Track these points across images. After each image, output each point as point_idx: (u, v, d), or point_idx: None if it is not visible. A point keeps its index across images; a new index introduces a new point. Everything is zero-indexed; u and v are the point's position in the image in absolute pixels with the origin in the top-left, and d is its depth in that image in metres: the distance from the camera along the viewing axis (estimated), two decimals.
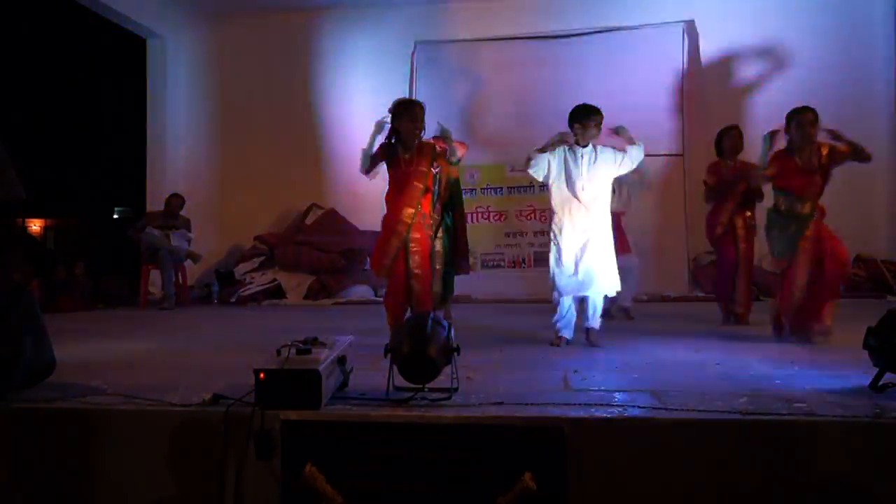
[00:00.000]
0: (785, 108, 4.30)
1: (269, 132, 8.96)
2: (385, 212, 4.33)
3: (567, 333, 4.14)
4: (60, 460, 2.49)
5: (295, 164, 8.80)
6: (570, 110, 4.16)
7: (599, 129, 4.12)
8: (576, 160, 4.10)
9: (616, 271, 4.10)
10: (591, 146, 4.11)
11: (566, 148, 4.15)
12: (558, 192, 4.14)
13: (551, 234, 4.17)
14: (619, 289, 4.17)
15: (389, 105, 4.28)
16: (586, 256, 4.04)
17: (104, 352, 4.14)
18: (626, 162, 4.11)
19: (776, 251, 4.26)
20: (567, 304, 4.13)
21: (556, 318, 4.16)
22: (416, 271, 4.24)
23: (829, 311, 4.08)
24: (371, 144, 4.26)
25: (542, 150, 4.16)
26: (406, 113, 4.22)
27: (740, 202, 5.16)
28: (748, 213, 5.20)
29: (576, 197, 4.08)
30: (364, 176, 4.36)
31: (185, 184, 8.50)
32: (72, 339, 4.61)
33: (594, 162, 4.09)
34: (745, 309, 5.13)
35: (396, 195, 4.26)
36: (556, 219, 4.14)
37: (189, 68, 9.13)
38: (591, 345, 4.08)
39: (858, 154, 4.08)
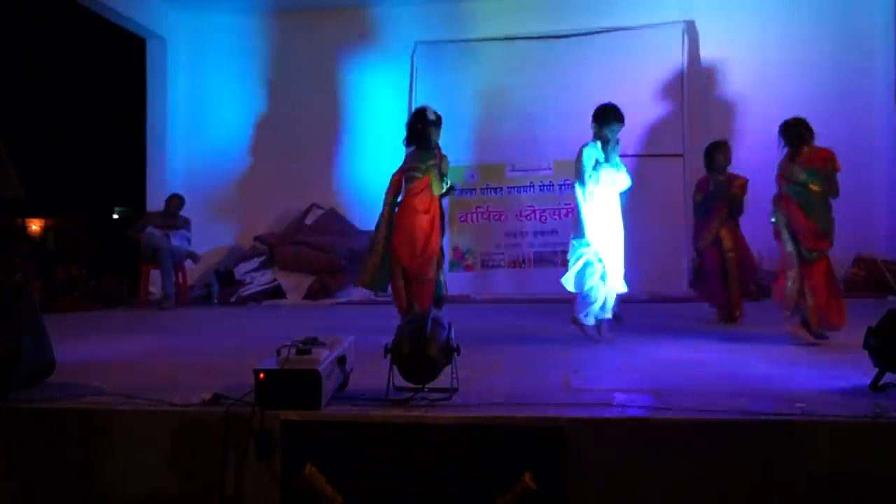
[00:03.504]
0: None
1: (268, 132, 8.95)
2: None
3: (589, 321, 4.19)
4: (61, 460, 2.49)
5: (295, 163, 8.78)
6: (594, 109, 4.25)
7: None
8: (605, 159, 4.15)
9: (622, 271, 4.16)
10: (614, 145, 4.18)
11: (598, 146, 4.20)
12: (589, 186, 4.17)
13: (577, 229, 4.20)
14: (624, 289, 4.20)
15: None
16: (606, 251, 4.09)
17: (104, 352, 4.14)
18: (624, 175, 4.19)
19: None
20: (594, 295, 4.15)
21: (583, 310, 4.18)
22: (417, 272, 4.27)
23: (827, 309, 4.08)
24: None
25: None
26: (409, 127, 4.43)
27: (724, 217, 5.29)
28: (733, 223, 5.31)
29: (602, 191, 4.13)
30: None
31: (185, 183, 8.50)
32: (72, 339, 4.61)
33: (616, 158, 4.17)
34: (739, 312, 5.20)
35: (404, 207, 4.39)
36: (583, 214, 4.17)
37: (189, 68, 9.13)
38: (604, 339, 4.13)
39: (832, 184, 4.06)
